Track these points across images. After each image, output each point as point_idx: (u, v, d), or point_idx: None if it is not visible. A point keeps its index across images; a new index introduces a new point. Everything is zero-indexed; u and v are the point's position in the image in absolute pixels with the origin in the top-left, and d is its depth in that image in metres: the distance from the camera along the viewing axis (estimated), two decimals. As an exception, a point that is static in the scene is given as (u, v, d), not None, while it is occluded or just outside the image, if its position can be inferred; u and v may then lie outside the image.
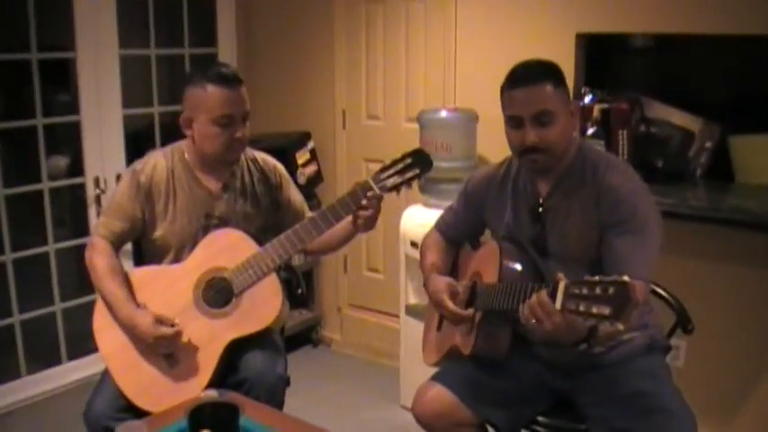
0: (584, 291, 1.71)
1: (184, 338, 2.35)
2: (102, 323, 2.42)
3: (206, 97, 2.41)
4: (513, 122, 2.18)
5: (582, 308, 1.70)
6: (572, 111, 2.21)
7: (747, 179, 3.26)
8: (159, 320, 2.32)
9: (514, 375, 2.32)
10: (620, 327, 1.64)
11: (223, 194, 2.56)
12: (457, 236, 2.61)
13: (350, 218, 2.49)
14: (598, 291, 1.67)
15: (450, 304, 2.32)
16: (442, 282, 2.40)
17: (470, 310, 2.28)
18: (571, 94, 2.20)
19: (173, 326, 2.33)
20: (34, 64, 3.79)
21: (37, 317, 3.98)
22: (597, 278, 1.70)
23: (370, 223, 2.49)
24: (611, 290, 1.65)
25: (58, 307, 4.04)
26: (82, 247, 2.58)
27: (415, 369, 3.26)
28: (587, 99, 3.38)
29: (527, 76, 2.16)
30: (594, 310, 1.67)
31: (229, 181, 2.58)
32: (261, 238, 2.53)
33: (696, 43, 3.28)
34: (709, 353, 3.24)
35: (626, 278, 1.65)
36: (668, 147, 3.35)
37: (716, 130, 3.32)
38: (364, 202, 2.43)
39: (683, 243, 3.18)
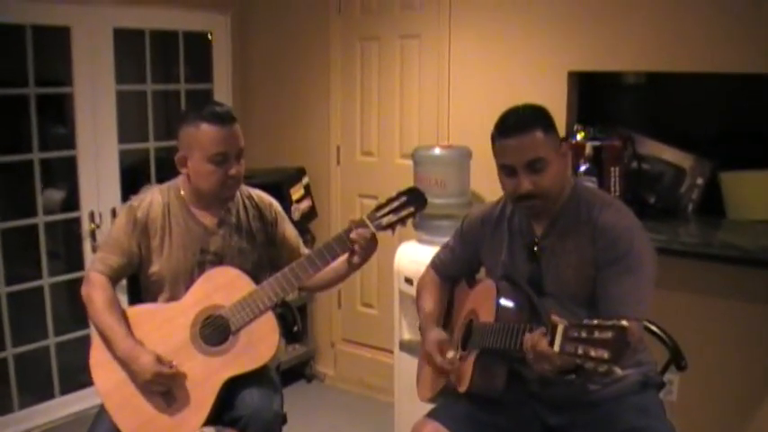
0: (583, 334, 1.71)
1: (181, 376, 2.36)
2: (99, 359, 2.41)
3: (200, 136, 2.43)
4: (507, 171, 2.20)
5: (580, 351, 1.70)
6: (563, 152, 2.23)
7: (738, 215, 3.29)
8: (159, 359, 2.33)
9: (510, 412, 2.31)
10: (618, 371, 1.64)
11: (218, 230, 2.57)
12: (453, 273, 2.63)
13: (345, 256, 2.52)
14: (596, 334, 1.67)
15: (438, 358, 2.36)
16: (434, 335, 2.44)
17: (457, 362, 2.31)
18: (563, 132, 2.21)
19: (171, 367, 2.34)
20: (32, 98, 3.83)
21: (30, 350, 3.97)
22: (596, 321, 1.70)
23: (364, 261, 2.52)
24: (609, 334, 1.65)
25: (52, 341, 4.03)
26: (76, 281, 2.59)
27: (410, 405, 3.25)
28: (579, 136, 3.41)
29: (516, 124, 2.17)
30: (593, 353, 1.67)
31: (225, 217, 2.59)
32: (256, 273, 2.54)
33: (687, 81, 3.32)
34: (702, 387, 3.24)
35: (624, 323, 1.65)
36: (660, 183, 3.38)
37: (707, 167, 3.36)
38: (359, 237, 2.45)
39: (676, 279, 3.19)
